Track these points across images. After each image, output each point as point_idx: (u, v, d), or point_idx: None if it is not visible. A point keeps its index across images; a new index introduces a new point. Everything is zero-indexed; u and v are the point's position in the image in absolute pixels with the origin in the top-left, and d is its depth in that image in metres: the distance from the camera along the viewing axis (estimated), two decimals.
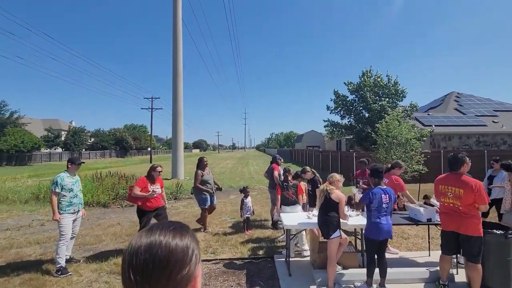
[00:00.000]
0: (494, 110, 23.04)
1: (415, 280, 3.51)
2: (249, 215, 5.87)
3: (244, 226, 5.84)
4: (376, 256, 3.28)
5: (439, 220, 3.72)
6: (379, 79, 16.93)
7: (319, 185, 4.67)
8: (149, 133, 39.86)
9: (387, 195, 3.27)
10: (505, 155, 13.98)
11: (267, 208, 7.90)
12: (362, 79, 17.03)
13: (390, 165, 4.83)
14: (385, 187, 3.35)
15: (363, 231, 3.47)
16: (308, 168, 5.31)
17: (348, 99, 17.93)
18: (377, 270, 3.27)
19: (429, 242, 4.36)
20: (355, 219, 3.76)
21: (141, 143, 57.34)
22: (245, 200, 5.82)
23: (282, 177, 4.99)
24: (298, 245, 4.61)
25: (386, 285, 3.25)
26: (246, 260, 4.40)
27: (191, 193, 5.80)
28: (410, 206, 3.98)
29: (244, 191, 5.99)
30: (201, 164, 5.92)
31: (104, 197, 9.39)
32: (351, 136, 19.56)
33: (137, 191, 4.49)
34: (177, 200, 10.11)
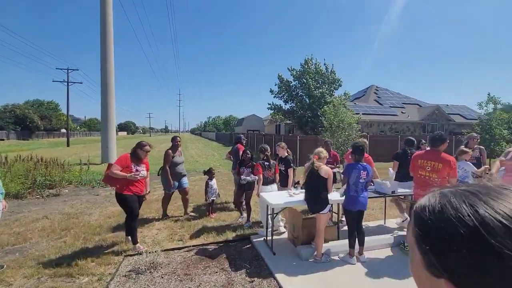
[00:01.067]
0: (402, 103, 27.64)
1: (383, 245, 3.90)
2: (215, 198, 5.55)
3: (209, 209, 5.49)
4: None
5: (400, 192, 4.20)
6: (319, 68, 18.07)
7: (291, 164, 4.67)
8: (61, 112, 33.60)
9: (366, 171, 3.46)
10: (421, 137, 16.99)
11: (226, 190, 7.67)
12: (306, 66, 17.90)
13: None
14: (365, 163, 3.53)
15: (343, 205, 3.61)
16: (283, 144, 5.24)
17: (291, 84, 18.68)
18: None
19: (385, 212, 4.92)
20: (334, 195, 3.89)
21: (52, 123, 48.09)
22: (210, 183, 5.46)
23: (248, 156, 4.83)
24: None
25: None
26: (221, 244, 4.14)
27: (158, 175, 5.08)
28: (376, 181, 4.35)
29: (209, 173, 5.61)
30: (173, 144, 5.26)
31: (15, 186, 7.49)
32: (291, 121, 20.61)
33: (116, 169, 3.65)
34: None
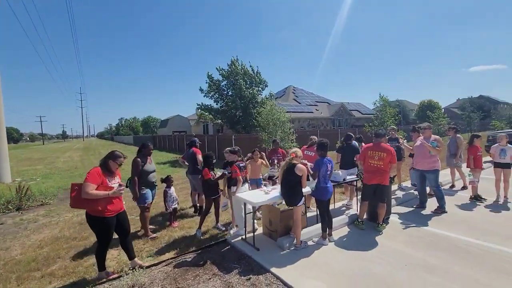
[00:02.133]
0: (316, 101, 31.59)
1: (342, 225, 4.63)
2: (176, 206, 5.29)
3: (171, 218, 5.21)
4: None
5: (350, 178, 5.04)
6: (245, 68, 18.80)
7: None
8: None
9: (331, 164, 4.07)
10: (329, 134, 19.72)
11: (179, 196, 7.33)
12: (234, 66, 18.31)
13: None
14: (329, 157, 4.13)
15: (314, 195, 4.11)
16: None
17: (221, 84, 18.77)
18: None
19: (334, 197, 5.74)
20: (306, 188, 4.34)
21: None
22: (169, 191, 5.18)
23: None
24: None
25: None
26: (198, 251, 4.06)
27: (127, 186, 4.22)
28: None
29: (167, 180, 5.30)
30: (144, 151, 4.67)
31: None
32: (220, 121, 20.73)
33: (92, 189, 2.99)
34: (25, 211, 7.21)
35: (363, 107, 35.73)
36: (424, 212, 5.20)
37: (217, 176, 4.50)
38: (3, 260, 4.19)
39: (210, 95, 19.00)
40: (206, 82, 18.81)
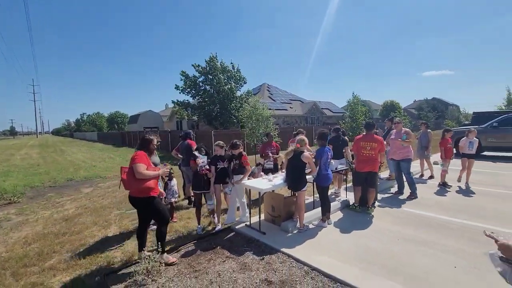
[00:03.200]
0: (290, 99, 32.45)
1: (336, 209, 5.02)
2: (176, 200, 5.21)
3: (172, 212, 5.13)
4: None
5: (340, 168, 5.45)
6: (224, 65, 18.77)
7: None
8: None
9: (330, 153, 4.41)
10: (305, 130, 20.45)
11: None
12: (212, 63, 18.16)
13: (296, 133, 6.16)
14: (328, 147, 4.47)
15: (315, 182, 4.42)
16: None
17: (198, 80, 18.50)
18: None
19: (313, 188, 6.04)
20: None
21: None
22: (170, 183, 5.08)
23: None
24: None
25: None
26: (204, 240, 4.14)
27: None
28: None
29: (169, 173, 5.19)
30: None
31: None
32: (196, 117, 20.43)
33: (144, 169, 3.13)
34: None
35: (334, 106, 37.52)
36: (401, 197, 5.81)
37: (201, 161, 4.28)
38: None
39: (187, 91, 18.66)
40: (181, 80, 18.46)
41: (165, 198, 5.07)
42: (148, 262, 3.13)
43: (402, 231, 4.09)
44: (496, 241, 1.31)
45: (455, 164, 7.44)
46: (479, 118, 13.39)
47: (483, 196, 5.71)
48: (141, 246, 3.52)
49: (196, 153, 4.41)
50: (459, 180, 6.47)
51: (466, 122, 15.82)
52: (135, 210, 3.51)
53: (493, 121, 10.58)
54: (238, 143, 4.56)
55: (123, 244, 4.10)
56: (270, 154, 5.97)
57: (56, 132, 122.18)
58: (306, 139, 4.20)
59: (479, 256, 3.23)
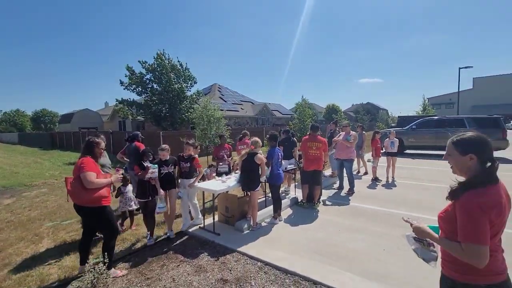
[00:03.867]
0: (241, 100, 32.77)
1: (286, 207, 5.33)
2: (135, 207, 4.68)
3: (123, 221, 4.70)
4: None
5: (289, 167, 5.81)
6: (173, 63, 18.02)
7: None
8: None
9: (280, 153, 4.70)
10: (256, 131, 20.94)
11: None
12: (159, 60, 17.25)
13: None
14: (278, 148, 4.74)
15: (268, 181, 4.64)
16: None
17: (145, 78, 17.39)
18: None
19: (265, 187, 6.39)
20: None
21: None
22: (123, 190, 4.61)
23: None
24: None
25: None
26: (157, 244, 4.00)
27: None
28: None
29: (123, 179, 4.27)
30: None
31: None
32: (142, 117, 19.21)
33: (95, 177, 2.89)
34: None
35: (283, 108, 39.23)
36: (341, 193, 6.47)
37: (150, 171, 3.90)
38: None
39: (132, 88, 17.39)
40: (126, 76, 17.14)
41: (118, 207, 4.69)
42: (93, 275, 2.90)
43: (342, 222, 4.59)
44: (411, 224, 1.62)
45: (384, 161, 8.59)
46: (403, 121, 15.67)
47: (405, 188, 6.73)
48: (84, 259, 3.23)
49: (147, 163, 4.03)
50: (387, 178, 7.42)
51: (393, 125, 18.39)
52: (73, 220, 3.22)
53: (412, 124, 12.48)
54: (192, 142, 4.51)
55: (60, 259, 3.69)
56: (226, 158, 5.80)
57: None
58: (259, 141, 4.38)
59: (401, 238, 3.84)
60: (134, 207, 4.68)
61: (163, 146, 4.29)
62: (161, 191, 4.06)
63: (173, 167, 4.27)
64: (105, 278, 2.99)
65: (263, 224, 4.52)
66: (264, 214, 4.77)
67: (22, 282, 3.17)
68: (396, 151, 7.36)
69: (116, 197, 4.60)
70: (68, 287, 2.99)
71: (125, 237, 4.29)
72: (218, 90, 32.35)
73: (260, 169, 4.24)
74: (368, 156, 9.82)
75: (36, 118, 48.77)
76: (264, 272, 3.14)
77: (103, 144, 3.29)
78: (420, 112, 30.65)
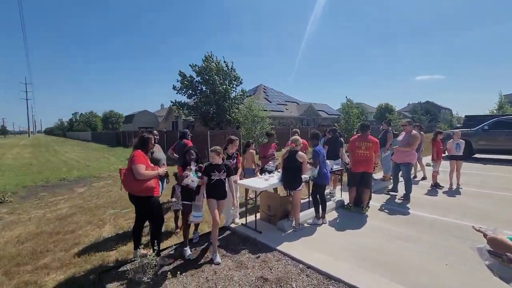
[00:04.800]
0: (285, 101, 32.57)
1: (331, 209, 5.08)
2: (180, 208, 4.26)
3: (176, 221, 4.46)
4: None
5: (335, 168, 5.51)
6: (220, 65, 18.78)
7: None
8: None
9: (323, 152, 4.48)
10: (301, 131, 20.63)
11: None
12: (207, 63, 18.16)
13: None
14: (320, 146, 4.53)
15: (315, 181, 4.45)
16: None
17: (194, 80, 18.49)
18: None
19: (309, 187, 5.96)
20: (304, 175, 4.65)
21: None
22: (177, 189, 4.10)
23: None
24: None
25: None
26: (200, 237, 4.15)
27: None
28: None
29: (176, 176, 4.34)
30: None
31: None
32: (192, 118, 20.42)
33: (144, 169, 3.19)
34: None
35: (329, 108, 37.81)
36: (395, 199, 5.89)
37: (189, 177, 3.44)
38: None
39: (183, 91, 18.63)
40: (178, 81, 18.46)
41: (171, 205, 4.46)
42: (144, 261, 3.13)
43: (394, 229, 4.17)
44: (485, 235, 1.35)
45: (445, 166, 7.59)
46: (470, 121, 13.69)
47: (473, 197, 5.83)
48: (137, 244, 3.52)
49: (189, 171, 3.52)
50: (451, 185, 6.50)
51: (458, 125, 16.15)
52: (130, 209, 3.53)
53: (483, 124, 10.81)
54: (235, 138, 4.53)
55: (118, 243, 4.09)
56: (275, 156, 5.52)
57: (49, 132, 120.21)
58: (300, 138, 4.25)
59: (467, 252, 3.31)
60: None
61: (215, 147, 3.59)
62: (202, 199, 3.52)
63: (225, 173, 3.54)
64: (154, 265, 3.21)
65: (306, 225, 4.37)
66: (308, 215, 4.61)
67: (88, 260, 3.60)
68: (461, 154, 6.43)
69: (171, 197, 4.39)
70: (122, 267, 3.29)
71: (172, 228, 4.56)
72: (263, 91, 32.64)
73: (302, 168, 4.10)
74: (426, 159, 8.82)
75: (105, 119, 55.81)
76: (306, 275, 3.01)
77: (153, 139, 3.59)
78: (495, 111, 26.45)
